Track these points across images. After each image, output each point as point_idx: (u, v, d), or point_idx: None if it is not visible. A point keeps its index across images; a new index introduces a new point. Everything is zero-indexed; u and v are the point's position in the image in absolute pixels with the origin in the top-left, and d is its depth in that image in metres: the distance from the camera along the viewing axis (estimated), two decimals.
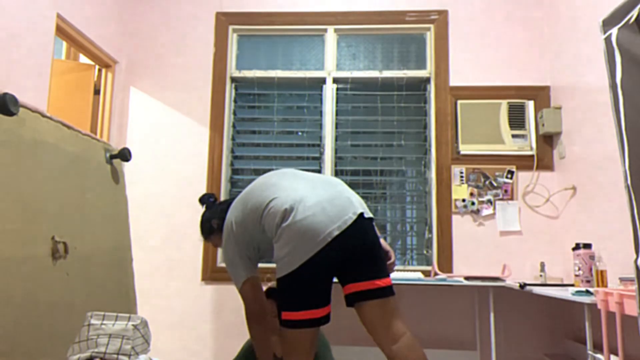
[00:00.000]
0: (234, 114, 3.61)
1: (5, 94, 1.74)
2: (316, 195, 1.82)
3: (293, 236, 1.76)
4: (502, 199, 3.32)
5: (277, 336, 2.52)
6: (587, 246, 2.52)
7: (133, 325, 1.74)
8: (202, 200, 2.28)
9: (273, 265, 3.38)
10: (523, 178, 3.34)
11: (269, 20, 3.61)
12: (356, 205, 1.84)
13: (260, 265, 3.41)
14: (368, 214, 1.88)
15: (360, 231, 1.81)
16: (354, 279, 1.83)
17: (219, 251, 3.41)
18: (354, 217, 1.79)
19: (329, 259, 1.76)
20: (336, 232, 1.74)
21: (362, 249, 1.82)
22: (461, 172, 3.35)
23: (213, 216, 2.19)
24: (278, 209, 1.82)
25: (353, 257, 1.81)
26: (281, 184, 1.92)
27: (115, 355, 1.67)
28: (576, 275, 2.51)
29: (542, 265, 3.08)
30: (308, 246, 1.74)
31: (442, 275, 3.01)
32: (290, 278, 1.77)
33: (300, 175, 1.98)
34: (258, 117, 3.61)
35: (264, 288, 2.51)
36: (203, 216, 2.24)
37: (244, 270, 1.96)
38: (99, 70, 3.48)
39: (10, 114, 1.77)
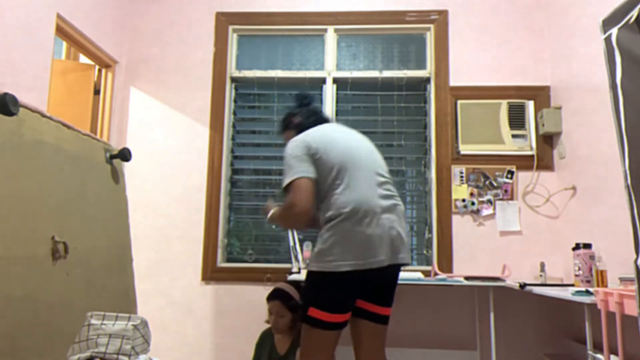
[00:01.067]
0: (234, 114, 3.61)
1: (5, 94, 1.74)
2: (388, 219, 1.90)
3: (356, 241, 1.83)
4: (502, 199, 3.32)
5: (283, 335, 2.52)
6: (587, 246, 2.52)
7: (133, 325, 1.74)
8: (299, 97, 2.26)
9: (273, 265, 3.37)
10: (523, 178, 3.34)
11: (269, 20, 3.61)
12: (407, 248, 1.97)
13: (260, 265, 3.41)
14: (408, 260, 2.01)
15: (397, 271, 2.02)
16: (368, 299, 1.98)
17: (219, 251, 3.41)
18: (401, 261, 1.94)
19: (368, 278, 1.90)
20: (386, 263, 1.87)
21: (390, 282, 2.01)
22: (461, 172, 3.35)
23: (298, 114, 2.19)
24: (349, 203, 1.86)
25: (381, 284, 1.98)
26: (358, 174, 1.92)
27: (115, 355, 1.67)
28: (576, 275, 2.51)
29: (542, 265, 3.07)
30: (362, 259, 1.82)
31: (442, 275, 3.01)
32: (332, 277, 1.83)
33: (372, 178, 1.96)
34: (258, 117, 3.61)
35: (265, 288, 2.52)
36: (291, 110, 2.24)
37: (308, 170, 1.90)
38: (99, 70, 3.48)
39: (10, 114, 1.77)
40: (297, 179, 1.87)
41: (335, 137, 1.99)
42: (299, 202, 1.84)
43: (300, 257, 3.05)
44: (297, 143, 1.97)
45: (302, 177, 1.87)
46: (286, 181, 1.89)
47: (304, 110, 2.20)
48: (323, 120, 2.17)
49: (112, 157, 2.60)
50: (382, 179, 1.99)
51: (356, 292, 1.93)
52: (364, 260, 1.82)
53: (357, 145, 2.01)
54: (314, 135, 1.99)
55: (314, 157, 1.92)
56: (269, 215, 2.07)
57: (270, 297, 2.50)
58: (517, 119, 3.37)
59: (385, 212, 1.91)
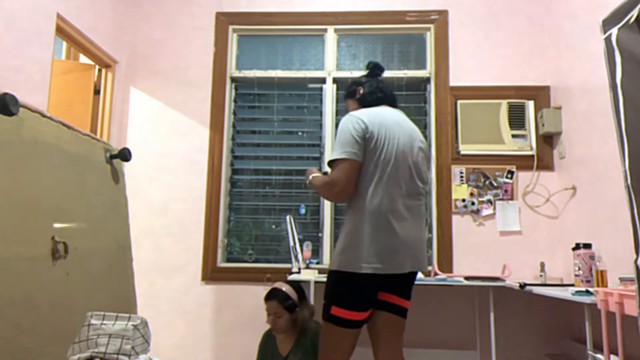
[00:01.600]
0: (234, 114, 3.61)
1: (5, 94, 1.74)
2: (412, 228, 1.95)
3: (379, 246, 1.86)
4: (502, 199, 3.32)
5: (284, 336, 2.50)
6: (587, 246, 2.52)
7: (133, 325, 1.74)
8: (370, 64, 2.24)
9: (273, 265, 3.38)
10: (523, 178, 3.34)
11: (269, 20, 3.61)
12: (425, 256, 2.03)
13: (260, 265, 3.41)
14: (426, 267, 2.05)
15: (417, 275, 2.08)
16: (388, 290, 2.01)
17: (219, 251, 3.41)
18: (421, 269, 1.99)
19: (390, 280, 1.96)
20: (407, 270, 1.91)
21: (410, 280, 2.05)
22: (461, 172, 3.35)
23: (364, 85, 2.17)
24: (378, 205, 1.88)
25: (400, 282, 2.01)
26: (396, 177, 1.92)
27: (115, 355, 1.67)
28: (576, 275, 2.51)
29: (542, 265, 3.07)
30: (383, 263, 1.86)
31: (442, 275, 3.01)
32: (353, 277, 1.86)
33: (408, 185, 1.96)
34: (258, 117, 3.61)
35: (265, 288, 2.51)
36: (359, 78, 2.23)
37: (357, 153, 1.90)
38: (99, 70, 3.48)
39: (10, 114, 1.77)
40: (343, 160, 1.89)
41: (393, 131, 1.97)
42: (339, 182, 1.88)
43: (300, 257, 3.04)
44: (357, 120, 1.95)
45: (349, 159, 1.89)
46: (333, 156, 1.92)
47: (371, 83, 2.17)
48: (388, 99, 2.15)
49: (112, 157, 2.60)
50: (417, 187, 1.99)
51: (377, 290, 1.96)
52: (383, 265, 1.85)
53: (408, 146, 1.99)
54: (375, 120, 1.96)
55: (367, 142, 1.92)
56: (309, 178, 2.08)
57: (267, 298, 2.48)
58: (517, 119, 3.37)
59: (410, 220, 1.94)
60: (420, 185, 2.02)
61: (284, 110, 3.60)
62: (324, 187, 1.94)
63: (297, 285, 2.55)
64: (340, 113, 3.55)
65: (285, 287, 2.49)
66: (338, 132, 1.97)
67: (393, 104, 2.16)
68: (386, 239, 1.86)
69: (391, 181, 1.91)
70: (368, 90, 2.15)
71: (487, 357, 3.17)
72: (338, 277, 1.90)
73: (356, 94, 2.18)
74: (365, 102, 2.14)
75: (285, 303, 2.43)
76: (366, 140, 1.92)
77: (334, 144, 1.95)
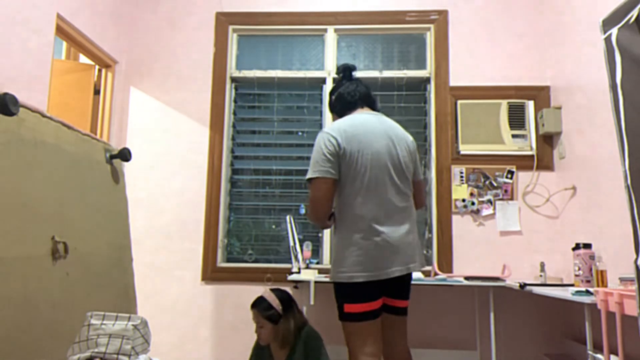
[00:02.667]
0: (234, 114, 3.61)
1: (5, 94, 1.74)
2: (400, 231, 1.94)
3: (367, 254, 1.89)
4: (502, 199, 3.32)
5: (278, 345, 2.48)
6: (587, 246, 2.52)
7: (133, 325, 1.74)
8: (339, 69, 2.23)
9: (273, 265, 3.38)
10: (523, 178, 3.34)
11: (269, 20, 3.61)
12: (418, 257, 2.01)
13: (260, 265, 3.41)
14: (419, 268, 2.04)
15: (410, 276, 2.09)
16: (386, 294, 2.05)
17: (219, 251, 3.41)
18: (412, 270, 1.98)
19: (383, 283, 1.97)
20: (397, 274, 1.92)
21: (404, 283, 2.08)
22: (461, 172, 3.35)
23: (334, 95, 2.17)
24: (364, 215, 1.91)
25: (396, 285, 2.05)
26: (379, 184, 1.94)
27: (115, 355, 1.67)
28: (576, 275, 2.51)
29: (542, 265, 3.07)
30: (373, 271, 1.89)
31: (442, 275, 3.01)
32: (349, 285, 1.91)
33: (392, 189, 1.96)
34: (258, 117, 3.61)
35: (264, 289, 2.50)
36: (335, 86, 2.20)
37: (330, 171, 1.92)
38: (99, 70, 3.48)
39: (10, 114, 1.77)
40: (317, 178, 1.92)
41: (363, 140, 1.96)
42: (315, 201, 1.92)
43: (300, 257, 3.04)
44: (328, 137, 1.95)
45: (321, 177, 1.91)
46: (308, 175, 1.95)
47: (340, 91, 2.16)
48: (361, 102, 2.13)
49: (112, 157, 2.60)
50: (399, 188, 1.98)
51: (377, 286, 1.96)
52: (373, 273, 1.88)
53: (384, 150, 1.98)
54: (346, 133, 1.96)
55: (340, 158, 1.93)
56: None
57: (251, 306, 2.44)
58: (517, 119, 3.37)
59: (396, 224, 1.94)
60: (402, 188, 1.99)
61: (284, 110, 3.60)
62: (309, 211, 1.98)
63: (285, 296, 2.47)
64: None
65: (270, 297, 2.43)
66: (313, 149, 1.98)
67: (368, 104, 2.15)
68: (370, 247, 1.89)
69: (370, 190, 1.93)
70: (336, 99, 2.16)
71: (487, 357, 3.17)
72: (337, 286, 1.97)
73: (330, 104, 2.21)
74: (337, 112, 2.16)
75: (265, 313, 2.37)
76: (340, 157, 1.93)
77: (310, 163, 1.97)
